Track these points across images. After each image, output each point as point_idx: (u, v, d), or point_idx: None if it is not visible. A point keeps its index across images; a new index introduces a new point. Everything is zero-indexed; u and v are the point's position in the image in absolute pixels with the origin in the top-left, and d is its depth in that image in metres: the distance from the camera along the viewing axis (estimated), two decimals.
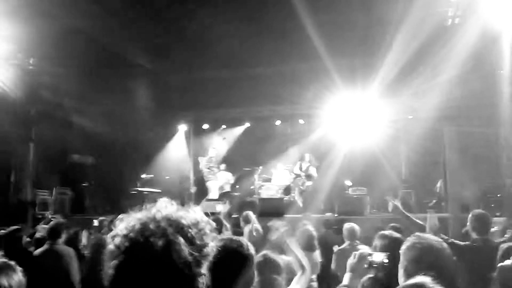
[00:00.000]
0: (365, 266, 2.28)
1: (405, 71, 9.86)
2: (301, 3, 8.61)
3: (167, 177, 12.72)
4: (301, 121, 13.63)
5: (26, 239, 5.43)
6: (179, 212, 1.15)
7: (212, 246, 1.16)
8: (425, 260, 2.04)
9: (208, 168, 11.38)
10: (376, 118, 11.88)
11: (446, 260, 2.09)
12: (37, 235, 5.58)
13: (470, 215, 4.52)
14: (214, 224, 1.22)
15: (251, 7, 9.67)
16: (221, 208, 9.68)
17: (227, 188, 11.71)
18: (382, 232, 3.63)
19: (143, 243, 1.04)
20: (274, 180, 11.83)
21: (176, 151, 13.94)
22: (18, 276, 1.87)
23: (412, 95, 10.69)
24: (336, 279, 4.44)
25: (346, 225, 5.47)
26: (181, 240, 1.07)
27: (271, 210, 9.50)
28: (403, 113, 11.79)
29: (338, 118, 12.30)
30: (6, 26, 8.68)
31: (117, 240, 1.07)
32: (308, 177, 10.92)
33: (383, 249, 2.60)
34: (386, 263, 2.27)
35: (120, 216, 1.14)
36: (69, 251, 4.93)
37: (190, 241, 1.09)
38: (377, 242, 3.36)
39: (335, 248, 5.38)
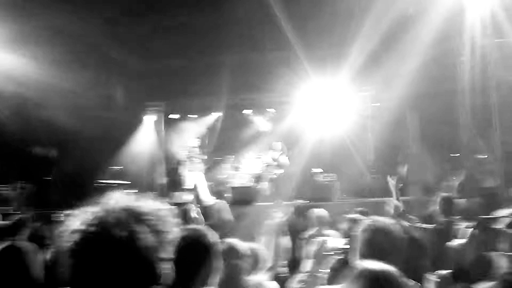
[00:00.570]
0: (327, 252, 2.35)
1: (372, 60, 10.03)
2: None
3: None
4: (272, 110, 13.67)
5: None
6: (138, 202, 1.14)
7: (174, 232, 1.15)
8: (377, 242, 2.10)
9: (189, 158, 11.20)
10: (344, 107, 12.06)
11: (398, 242, 2.15)
12: None
13: (438, 198, 4.69)
14: (176, 212, 1.23)
15: None
16: (190, 197, 9.69)
17: (193, 179, 11.65)
18: (349, 216, 3.74)
19: (103, 235, 1.03)
20: (245, 168, 11.87)
21: (145, 142, 13.71)
22: None
23: (378, 84, 10.90)
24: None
25: (314, 212, 5.57)
26: (142, 227, 1.06)
27: (243, 198, 9.57)
28: (370, 102, 12.03)
29: (308, 107, 12.42)
30: None
31: (76, 235, 1.05)
32: (279, 165, 11.03)
33: (349, 233, 2.68)
34: (346, 248, 2.34)
35: (75, 211, 1.12)
36: (32, 247, 4.84)
37: (150, 228, 1.08)
38: (344, 226, 3.47)
39: (304, 234, 5.49)
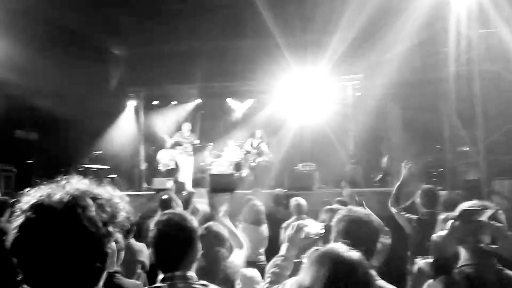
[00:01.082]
0: (302, 236, 2.32)
1: (354, 49, 9.99)
2: None
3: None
4: (252, 98, 13.59)
5: None
6: (91, 186, 1.14)
7: (123, 216, 1.14)
8: (352, 232, 2.08)
9: (180, 144, 11.04)
10: (325, 96, 12.04)
11: (373, 233, 2.14)
12: None
13: (419, 190, 4.70)
14: (123, 200, 1.19)
15: None
16: (171, 184, 9.60)
17: (173, 165, 11.60)
18: (328, 206, 3.70)
19: (47, 202, 1.04)
20: (225, 156, 11.82)
21: (125, 127, 13.60)
22: None
23: (360, 73, 10.88)
24: None
25: (293, 200, 5.54)
26: (89, 201, 1.06)
27: (222, 186, 9.51)
28: (351, 90, 12.02)
29: (289, 95, 12.37)
30: None
31: (22, 205, 1.06)
32: (259, 153, 10.99)
33: (328, 223, 2.65)
34: (322, 233, 2.31)
35: (25, 190, 1.12)
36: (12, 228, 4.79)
37: (99, 205, 1.08)
38: (323, 216, 3.42)
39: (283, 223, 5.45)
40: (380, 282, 2.06)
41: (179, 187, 9.84)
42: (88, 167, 10.96)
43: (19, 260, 1.03)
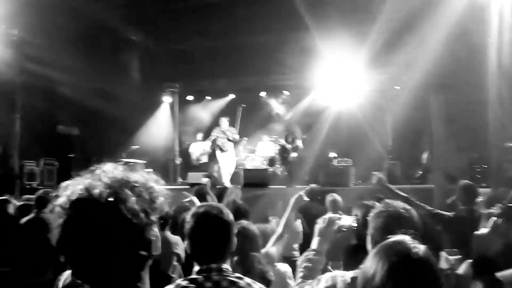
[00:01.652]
0: (334, 230, 2.26)
1: (393, 40, 9.69)
2: None
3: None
4: (286, 92, 13.48)
5: (13, 208, 5.60)
6: (125, 172, 1.15)
7: (161, 200, 1.15)
8: (391, 228, 1.97)
9: (220, 139, 10.82)
10: (362, 89, 11.79)
11: (412, 229, 2.02)
12: (24, 204, 5.73)
13: (458, 186, 4.54)
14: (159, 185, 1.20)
15: None
16: (206, 179, 9.64)
17: (205, 159, 11.61)
18: (362, 201, 3.58)
19: (87, 197, 1.05)
20: (259, 151, 11.77)
21: (161, 122, 13.83)
22: None
23: (399, 65, 10.55)
24: None
25: (329, 196, 5.44)
26: (127, 191, 1.08)
27: (255, 181, 9.48)
28: (389, 83, 11.70)
29: (325, 89, 12.19)
30: None
31: (62, 199, 1.07)
32: (293, 148, 10.85)
33: (362, 219, 2.58)
34: (354, 227, 2.25)
35: (63, 184, 1.14)
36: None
37: (137, 194, 1.10)
38: (356, 211, 3.31)
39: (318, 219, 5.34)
40: None
41: (214, 181, 9.88)
42: (125, 161, 11.20)
43: (66, 257, 1.05)
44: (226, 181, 10.27)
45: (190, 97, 14.27)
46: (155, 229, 1.12)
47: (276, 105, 13.67)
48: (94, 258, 1.03)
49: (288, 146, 10.51)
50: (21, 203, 5.87)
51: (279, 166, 10.99)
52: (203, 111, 13.85)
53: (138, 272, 1.10)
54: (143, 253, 1.09)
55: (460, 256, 3.39)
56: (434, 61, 8.45)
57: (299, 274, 2.18)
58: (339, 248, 2.44)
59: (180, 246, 4.13)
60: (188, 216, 2.04)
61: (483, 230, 3.60)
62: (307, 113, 12.73)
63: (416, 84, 9.26)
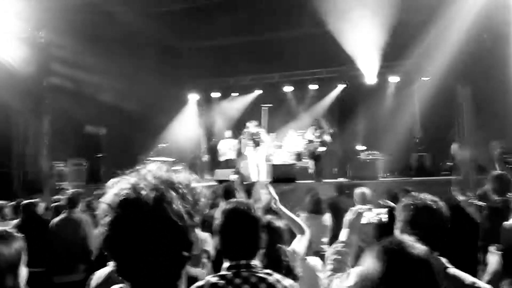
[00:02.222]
0: (363, 222, 2.24)
1: (417, 31, 9.55)
2: None
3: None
4: (313, 87, 13.42)
5: (44, 208, 5.64)
6: (170, 172, 1.17)
7: (203, 204, 1.18)
8: (419, 220, 1.98)
9: (251, 136, 10.60)
10: (387, 80, 11.65)
11: (441, 221, 2.00)
12: (56, 204, 5.84)
13: (490, 176, 4.46)
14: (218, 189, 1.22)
15: None
16: (235, 176, 9.69)
17: (233, 156, 11.67)
18: (391, 193, 3.56)
19: (135, 198, 1.07)
20: (286, 146, 11.75)
21: (188, 120, 13.94)
22: (19, 244, 1.88)
23: (425, 56, 10.38)
24: None
25: (357, 190, 5.41)
26: (173, 193, 1.10)
27: (283, 176, 9.47)
28: (416, 75, 11.53)
29: (352, 83, 12.11)
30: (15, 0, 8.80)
31: (109, 198, 1.09)
32: (321, 142, 10.81)
33: (391, 211, 2.56)
34: (384, 219, 2.22)
35: (110, 182, 1.16)
36: (87, 218, 5.14)
37: (181, 196, 1.11)
38: (386, 204, 3.31)
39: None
40: (453, 270, 1.94)
41: (242, 177, 9.91)
42: (154, 160, 11.28)
43: (111, 254, 1.08)
44: (254, 177, 10.30)
45: (216, 94, 14.33)
46: (197, 231, 1.15)
47: (302, 100, 13.59)
48: (138, 257, 1.06)
49: (316, 141, 10.47)
50: (52, 204, 6.00)
51: (306, 161, 10.96)
52: (230, 108, 13.91)
53: (178, 272, 1.13)
54: (185, 253, 1.11)
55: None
56: (460, 51, 8.30)
57: (328, 266, 2.15)
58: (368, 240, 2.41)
59: (209, 243, 4.18)
60: (217, 213, 2.05)
61: (511, 221, 3.54)
62: (335, 106, 12.67)
63: (443, 74, 9.11)
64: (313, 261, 3.08)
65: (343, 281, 1.97)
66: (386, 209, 2.27)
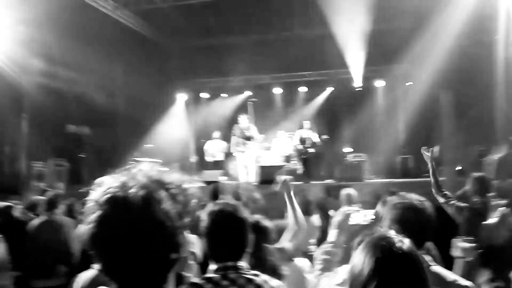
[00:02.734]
0: (351, 223, 2.29)
1: (404, 38, 9.74)
2: None
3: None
4: (302, 89, 13.53)
5: (22, 210, 5.45)
6: (161, 172, 1.14)
7: (195, 205, 1.15)
8: (406, 219, 2.05)
9: (241, 137, 10.30)
10: (374, 85, 11.82)
11: (426, 220, 2.09)
12: (32, 206, 5.61)
13: (470, 178, 4.58)
14: (205, 190, 1.24)
15: None
16: (223, 177, 9.70)
17: (221, 157, 11.67)
18: (378, 195, 3.67)
19: (123, 196, 1.04)
20: (274, 148, 11.80)
21: (175, 121, 13.82)
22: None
23: (410, 62, 10.60)
24: None
25: (343, 191, 5.51)
26: (163, 193, 1.07)
27: (271, 177, 9.47)
28: (401, 80, 11.74)
29: (340, 85, 12.25)
30: None
31: (96, 195, 1.07)
32: (309, 144, 10.91)
33: (378, 212, 2.62)
34: (372, 219, 2.27)
35: (99, 180, 1.14)
36: (67, 221, 4.95)
37: (172, 196, 1.09)
38: (373, 205, 3.41)
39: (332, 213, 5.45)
40: (435, 267, 2.04)
41: (230, 179, 9.90)
42: (139, 160, 11.08)
43: (96, 253, 1.04)
44: (243, 179, 10.30)
45: (205, 95, 14.30)
46: (186, 233, 1.12)
47: (291, 102, 13.66)
48: (124, 256, 1.03)
49: (305, 142, 10.55)
50: (30, 205, 5.68)
51: (295, 162, 11.02)
52: (219, 109, 13.91)
53: (165, 274, 1.09)
54: (173, 255, 1.08)
55: (474, 245, 3.47)
56: (444, 58, 8.51)
57: (317, 266, 2.19)
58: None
59: (196, 244, 4.19)
60: (203, 214, 2.02)
61: (491, 220, 3.68)
62: (322, 109, 12.80)
63: (427, 80, 9.32)
64: (301, 262, 3.09)
65: (331, 279, 2.00)
66: (373, 210, 2.33)
